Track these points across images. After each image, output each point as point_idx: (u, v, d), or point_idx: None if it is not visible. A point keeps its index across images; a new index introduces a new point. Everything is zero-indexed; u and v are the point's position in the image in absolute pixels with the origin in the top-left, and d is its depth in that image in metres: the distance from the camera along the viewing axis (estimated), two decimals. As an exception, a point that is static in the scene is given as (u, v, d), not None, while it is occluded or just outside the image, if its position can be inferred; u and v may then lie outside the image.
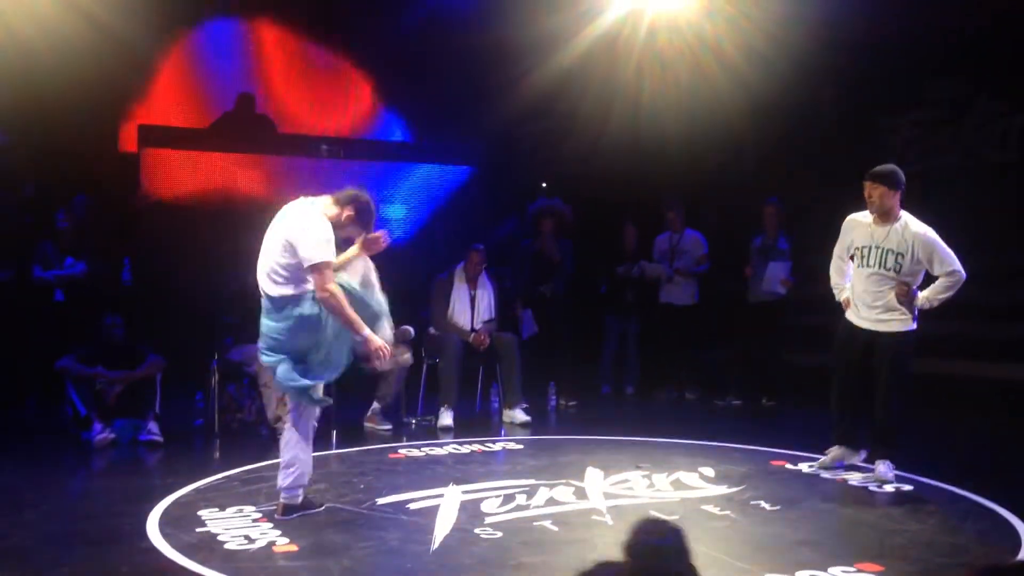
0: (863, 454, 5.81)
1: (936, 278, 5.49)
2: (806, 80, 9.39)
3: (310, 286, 4.52)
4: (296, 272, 4.52)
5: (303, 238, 4.48)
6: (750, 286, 8.61)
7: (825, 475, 5.77)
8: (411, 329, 7.26)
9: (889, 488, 5.43)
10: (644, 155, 10.36)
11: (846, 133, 9.66)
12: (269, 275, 4.60)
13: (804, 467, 5.97)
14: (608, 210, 9.70)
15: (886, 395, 5.54)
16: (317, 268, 4.45)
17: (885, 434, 5.59)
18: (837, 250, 5.83)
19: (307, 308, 4.54)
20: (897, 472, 5.58)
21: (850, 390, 5.74)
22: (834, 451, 5.84)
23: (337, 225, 4.64)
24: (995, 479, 5.55)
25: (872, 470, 5.63)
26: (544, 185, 10.53)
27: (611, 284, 9.19)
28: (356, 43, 10.49)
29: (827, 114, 9.78)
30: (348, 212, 4.69)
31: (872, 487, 5.46)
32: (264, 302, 4.66)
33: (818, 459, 5.97)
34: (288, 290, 4.55)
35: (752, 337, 8.63)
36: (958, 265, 5.42)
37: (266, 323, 4.65)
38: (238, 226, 9.05)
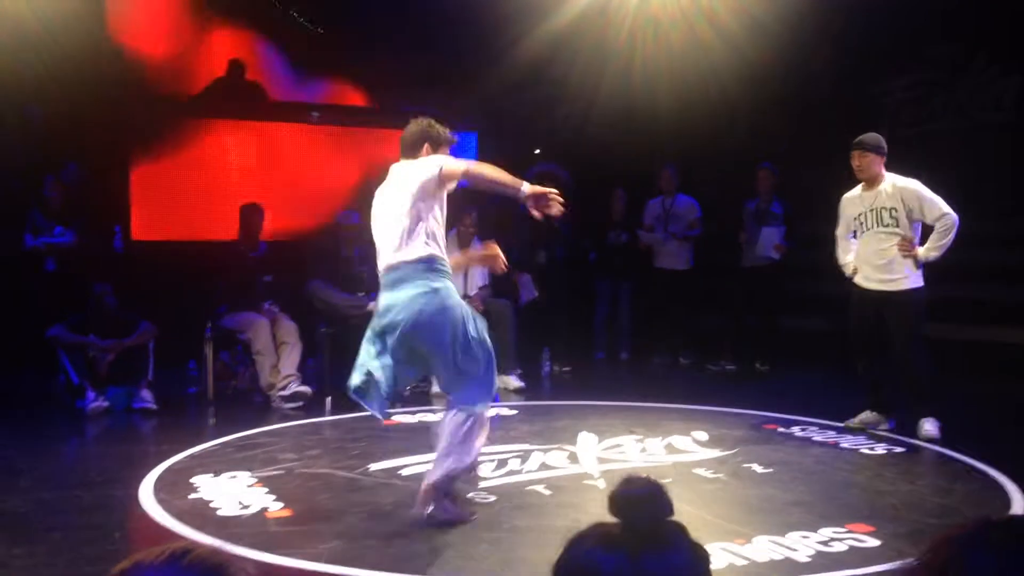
0: (892, 423, 5.87)
1: (931, 230, 5.63)
2: (800, 44, 9.32)
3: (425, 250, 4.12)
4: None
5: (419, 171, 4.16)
6: (744, 251, 8.61)
7: (817, 438, 5.80)
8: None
9: (880, 450, 5.46)
10: (637, 121, 10.29)
11: (841, 97, 9.61)
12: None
13: (796, 430, 6.00)
14: (601, 176, 9.66)
15: (906, 354, 5.67)
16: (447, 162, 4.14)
17: (920, 393, 5.71)
18: (839, 231, 6.03)
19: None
20: (889, 434, 5.62)
21: (870, 355, 5.86)
22: (866, 415, 5.92)
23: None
24: (985, 441, 5.59)
25: (903, 437, 5.68)
26: (537, 152, 10.48)
27: (600, 251, 9.19)
28: (347, 11, 10.36)
29: (821, 78, 9.72)
30: (426, 148, 4.33)
31: (864, 449, 5.50)
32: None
33: (815, 423, 6.05)
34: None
35: (746, 302, 8.65)
36: (947, 208, 5.58)
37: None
38: (229, 195, 9.06)
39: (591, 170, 9.79)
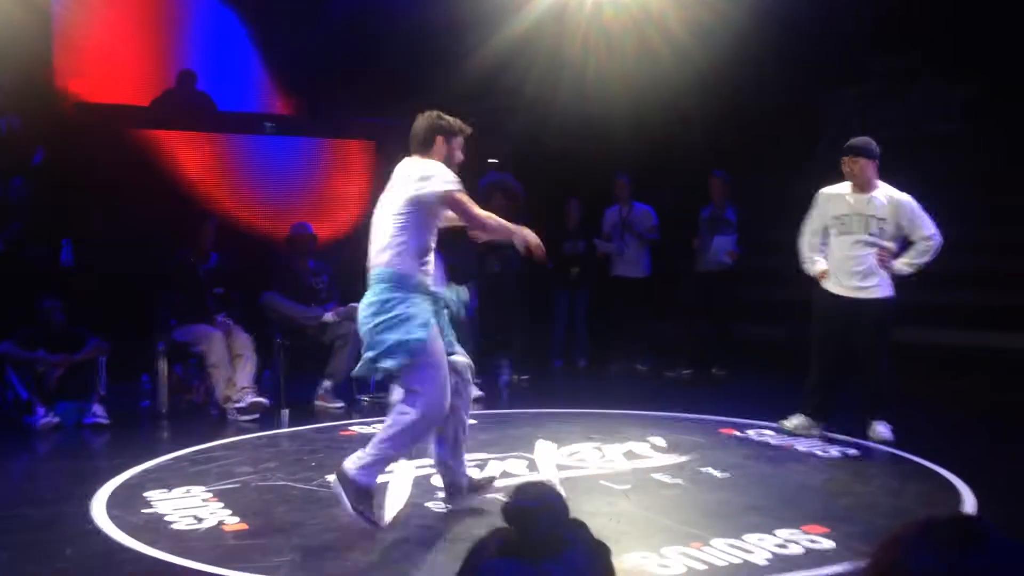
0: (822, 428, 5.87)
1: (910, 245, 5.67)
2: (751, 54, 9.45)
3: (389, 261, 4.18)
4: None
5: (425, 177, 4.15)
6: (697, 257, 8.71)
7: (774, 442, 5.86)
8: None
9: (835, 452, 5.54)
10: (592, 130, 10.36)
11: (791, 107, 9.76)
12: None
13: (753, 434, 6.05)
14: (556, 186, 9.69)
15: (874, 360, 5.70)
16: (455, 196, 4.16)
17: (878, 396, 5.74)
18: (810, 226, 5.90)
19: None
20: (844, 437, 5.69)
21: (832, 361, 5.82)
22: (800, 419, 5.90)
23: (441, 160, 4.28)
24: (940, 444, 5.66)
25: (838, 437, 5.75)
26: (493, 161, 10.49)
27: (557, 260, 9.21)
28: (295, 18, 10.32)
29: (772, 87, 9.86)
30: (439, 141, 4.30)
31: (819, 452, 5.56)
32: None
33: (771, 427, 6.06)
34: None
35: (700, 308, 8.73)
36: (935, 230, 5.62)
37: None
38: (180, 204, 8.95)
39: (547, 179, 9.82)
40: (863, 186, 5.67)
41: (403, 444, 4.21)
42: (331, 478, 4.24)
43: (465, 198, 4.22)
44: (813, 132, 9.66)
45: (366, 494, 4.10)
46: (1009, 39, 8.32)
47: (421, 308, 4.14)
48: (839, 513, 4.38)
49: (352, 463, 4.09)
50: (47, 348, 6.59)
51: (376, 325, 4.09)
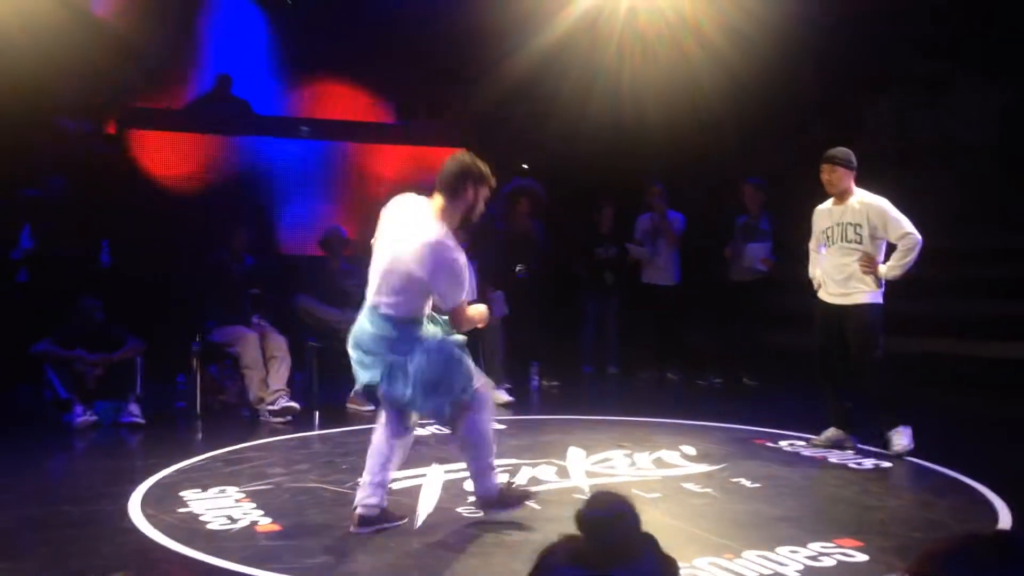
0: (855, 439, 5.85)
1: (895, 248, 5.63)
2: (786, 59, 9.40)
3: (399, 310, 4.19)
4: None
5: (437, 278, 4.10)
6: (731, 266, 8.66)
7: (806, 452, 5.82)
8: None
9: (868, 465, 5.49)
10: (625, 136, 10.34)
11: (825, 112, 9.69)
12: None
13: (785, 445, 6.02)
14: (590, 191, 9.69)
15: (865, 367, 5.65)
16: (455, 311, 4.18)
17: (884, 404, 5.69)
18: (811, 243, 6.04)
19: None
20: (876, 449, 5.64)
21: (834, 371, 5.82)
22: (831, 432, 5.89)
23: (467, 211, 4.25)
24: (973, 456, 5.60)
25: (871, 449, 5.70)
26: (525, 166, 10.51)
27: (590, 265, 9.21)
28: (335, 24, 10.40)
29: (807, 93, 9.80)
30: (469, 190, 4.21)
31: (851, 464, 5.52)
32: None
33: (803, 437, 6.06)
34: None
35: (732, 317, 8.68)
36: (911, 228, 5.58)
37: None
38: (218, 207, 9.06)
39: (580, 185, 9.83)
40: (840, 196, 5.75)
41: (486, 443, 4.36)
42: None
43: (461, 312, 4.21)
44: (848, 138, 9.58)
45: (501, 499, 4.38)
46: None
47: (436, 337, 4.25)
48: (872, 526, 4.35)
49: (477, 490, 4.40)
50: (85, 347, 6.70)
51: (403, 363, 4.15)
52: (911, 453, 5.58)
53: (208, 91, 9.69)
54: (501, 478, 4.58)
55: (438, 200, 4.21)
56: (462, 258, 4.15)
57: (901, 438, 5.61)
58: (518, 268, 8.40)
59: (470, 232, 7.71)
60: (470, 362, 4.31)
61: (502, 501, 4.40)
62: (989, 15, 8.41)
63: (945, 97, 9.18)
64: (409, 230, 4.15)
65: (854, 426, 5.86)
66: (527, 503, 4.49)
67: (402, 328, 4.16)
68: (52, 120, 8.39)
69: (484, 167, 4.27)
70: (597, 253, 9.15)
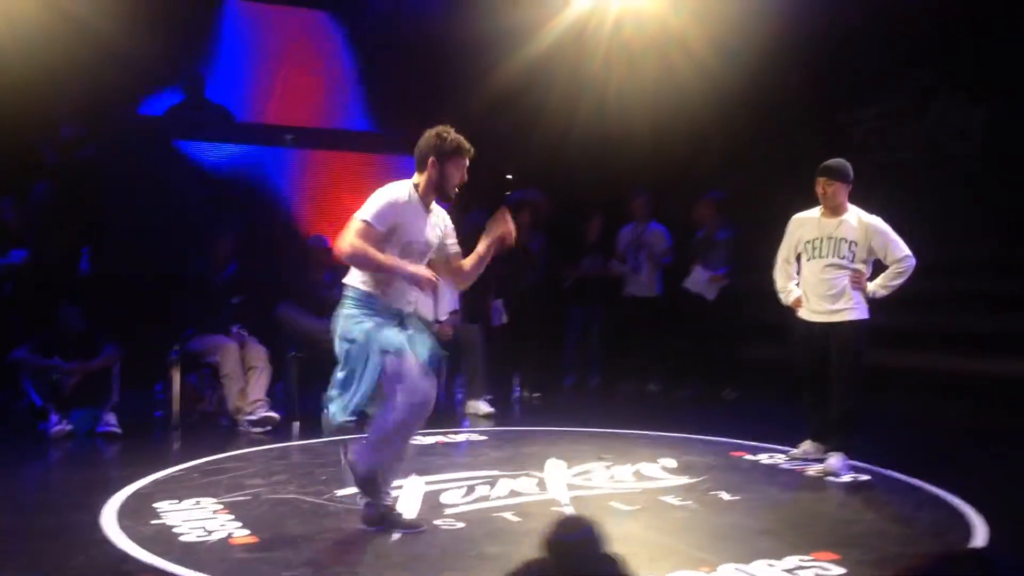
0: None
1: (885, 268, 5.61)
2: (771, 72, 9.44)
3: (349, 278, 4.28)
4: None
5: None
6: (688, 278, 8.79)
7: (785, 465, 5.83)
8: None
9: (847, 478, 5.49)
10: (611, 148, 10.36)
11: (811, 125, 9.73)
12: None
13: (764, 458, 6.02)
14: (575, 203, 9.70)
15: (840, 387, 5.61)
16: (351, 223, 4.14)
17: (839, 426, 5.65)
18: (783, 253, 5.89)
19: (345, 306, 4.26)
20: (855, 462, 5.64)
21: (817, 387, 5.76)
22: (806, 445, 5.89)
23: (433, 188, 4.29)
24: (951, 470, 5.62)
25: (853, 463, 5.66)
26: (509, 177, 10.51)
27: (576, 276, 9.22)
28: (319, 33, 10.39)
29: (792, 106, 9.84)
30: (432, 164, 4.26)
31: (830, 477, 5.51)
32: None
33: (782, 450, 6.05)
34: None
35: (708, 329, 8.70)
36: (908, 251, 5.55)
37: None
38: (199, 214, 9.01)
39: (567, 196, 9.83)
40: (834, 209, 5.64)
41: (392, 445, 4.27)
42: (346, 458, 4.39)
43: (354, 231, 4.13)
44: (834, 151, 9.63)
45: (370, 483, 4.27)
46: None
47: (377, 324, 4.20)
48: (850, 540, 4.34)
49: (354, 451, 4.32)
50: (62, 355, 6.64)
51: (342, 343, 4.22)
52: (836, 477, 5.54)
53: (183, 97, 9.62)
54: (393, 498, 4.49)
55: (415, 176, 4.36)
56: (391, 199, 4.21)
57: (838, 461, 5.56)
58: (519, 281, 8.33)
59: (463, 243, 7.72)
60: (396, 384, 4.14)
61: (374, 518, 4.31)
62: (974, 30, 8.47)
63: (930, 110, 9.23)
64: None
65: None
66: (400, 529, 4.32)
67: (348, 299, 4.24)
68: (41, 126, 8.33)
69: (451, 139, 4.29)
70: (583, 264, 9.16)
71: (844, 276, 5.59)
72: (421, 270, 4.21)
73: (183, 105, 9.56)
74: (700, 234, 8.80)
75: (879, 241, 5.56)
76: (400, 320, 4.31)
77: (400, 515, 4.44)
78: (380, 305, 4.25)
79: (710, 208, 8.79)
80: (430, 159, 4.28)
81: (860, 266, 5.60)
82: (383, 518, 4.34)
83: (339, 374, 4.28)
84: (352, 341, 4.19)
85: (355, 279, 4.29)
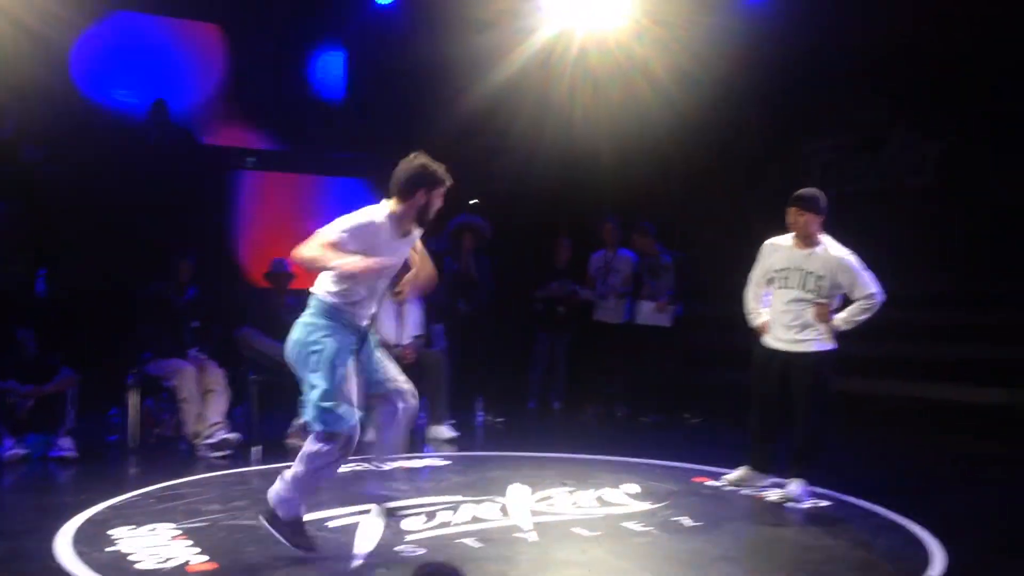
0: (769, 480, 5.83)
1: (852, 300, 5.61)
2: (732, 102, 9.58)
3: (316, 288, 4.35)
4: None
5: None
6: (636, 308, 8.88)
7: (744, 491, 5.85)
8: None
9: (806, 504, 5.52)
10: (577, 173, 10.44)
11: (769, 155, 9.88)
12: None
13: (724, 483, 6.04)
14: (541, 227, 9.74)
15: (804, 415, 5.61)
16: (319, 234, 4.16)
17: (802, 454, 5.66)
18: (755, 276, 5.87)
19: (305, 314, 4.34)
20: (815, 489, 5.67)
21: (770, 415, 5.78)
22: (742, 471, 5.89)
23: (416, 216, 4.36)
24: (909, 496, 5.68)
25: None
26: (474, 202, 10.53)
27: (544, 300, 9.23)
28: (287, 57, 10.39)
29: (751, 135, 9.98)
30: (420, 194, 4.31)
31: (790, 503, 5.55)
32: None
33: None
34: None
35: (662, 355, 8.76)
36: (876, 288, 5.54)
37: None
38: (158, 237, 8.92)
39: (532, 220, 9.87)
40: (805, 239, 5.61)
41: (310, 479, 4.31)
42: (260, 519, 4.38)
43: (322, 240, 4.14)
44: (792, 180, 9.80)
45: (296, 525, 4.31)
46: (979, 93, 8.49)
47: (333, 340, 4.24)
48: (808, 566, 4.38)
49: (273, 497, 4.31)
50: (17, 379, 6.52)
51: (299, 353, 4.27)
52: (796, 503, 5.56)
53: (146, 118, 9.55)
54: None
55: (391, 202, 4.35)
56: (369, 220, 4.26)
57: (798, 487, 5.57)
58: (461, 305, 8.36)
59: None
60: (343, 392, 4.21)
61: (283, 527, 4.30)
62: (927, 66, 8.66)
63: (885, 143, 9.41)
64: None
65: (767, 469, 5.83)
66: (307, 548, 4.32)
67: (314, 308, 4.30)
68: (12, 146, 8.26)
69: (438, 169, 4.38)
70: (551, 288, 9.18)
71: (808, 308, 5.59)
72: (369, 260, 4.16)
73: (146, 126, 9.48)
74: (638, 261, 8.95)
75: (846, 277, 5.55)
76: (360, 336, 4.35)
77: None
78: (344, 319, 4.29)
79: (647, 236, 8.92)
80: (420, 190, 4.31)
81: (825, 300, 5.58)
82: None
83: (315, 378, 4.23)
84: (317, 349, 4.22)
85: (322, 289, 4.33)
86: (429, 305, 8.10)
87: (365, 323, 4.40)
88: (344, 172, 10.49)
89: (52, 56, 8.68)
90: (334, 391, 4.18)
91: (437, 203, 4.39)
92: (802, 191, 5.69)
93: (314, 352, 4.22)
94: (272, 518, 4.31)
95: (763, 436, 5.82)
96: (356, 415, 4.23)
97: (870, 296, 5.52)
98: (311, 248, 4.14)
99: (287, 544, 4.27)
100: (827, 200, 5.66)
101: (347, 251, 4.14)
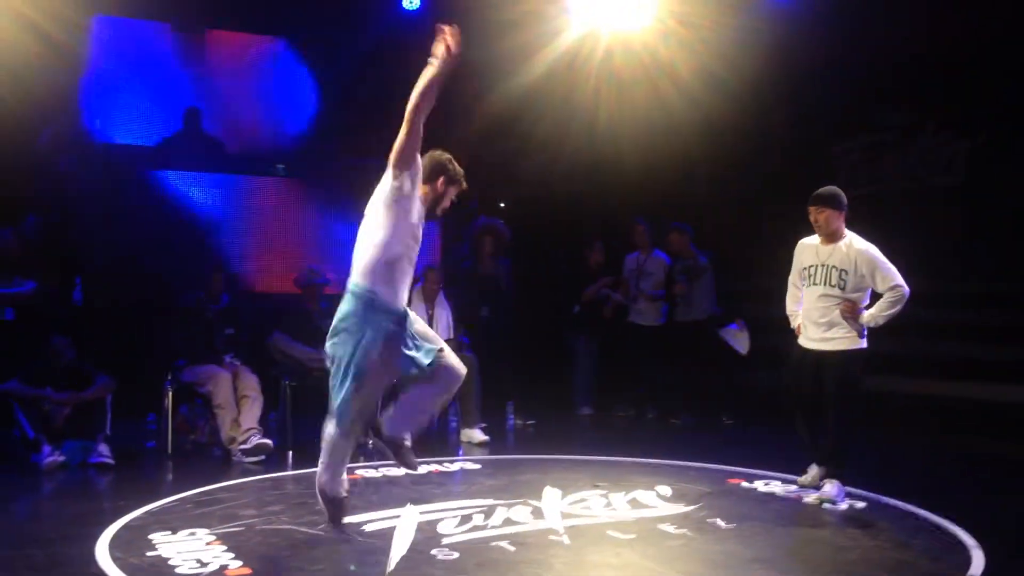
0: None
1: (880, 296, 5.58)
2: (759, 103, 9.53)
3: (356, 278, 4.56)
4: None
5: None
6: (678, 307, 8.82)
7: (780, 493, 5.82)
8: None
9: (843, 506, 5.49)
10: (601, 175, 10.42)
11: (797, 156, 9.81)
12: None
13: (760, 485, 6.02)
14: (566, 230, 9.73)
15: (833, 414, 5.60)
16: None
17: (833, 454, 5.64)
18: (792, 277, 5.93)
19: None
20: (851, 489, 5.64)
21: (810, 414, 5.76)
22: (813, 471, 5.83)
23: (430, 202, 4.70)
24: (946, 496, 5.63)
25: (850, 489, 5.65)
26: (502, 205, 10.56)
27: (581, 304, 9.20)
28: (311, 63, 10.43)
29: (779, 137, 9.92)
30: (440, 181, 4.70)
31: (826, 504, 5.51)
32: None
33: (779, 478, 6.06)
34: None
35: (686, 356, 8.72)
36: (900, 280, 5.51)
37: None
38: (192, 245, 9.02)
39: (558, 223, 9.86)
40: (828, 237, 5.66)
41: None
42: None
43: (400, 138, 4.49)
44: (821, 181, 9.73)
45: (337, 503, 4.78)
46: (1007, 92, 8.40)
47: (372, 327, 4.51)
48: (845, 567, 4.35)
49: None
50: (54, 386, 6.61)
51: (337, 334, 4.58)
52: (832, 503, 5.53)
53: (179, 128, 9.66)
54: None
55: (422, 187, 4.65)
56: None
57: (832, 488, 5.56)
58: (484, 310, 8.39)
59: (443, 274, 7.80)
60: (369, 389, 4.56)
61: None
62: (954, 65, 8.58)
63: (915, 143, 9.33)
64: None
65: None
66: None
67: (358, 301, 4.52)
68: (43, 155, 8.39)
69: (459, 169, 4.73)
70: (589, 290, 9.16)
71: (835, 305, 5.59)
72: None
73: (177, 136, 9.59)
74: (672, 263, 8.89)
75: (867, 269, 5.54)
76: (399, 320, 4.57)
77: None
78: (381, 304, 4.51)
79: (684, 238, 8.87)
80: (440, 177, 4.67)
81: (854, 295, 5.57)
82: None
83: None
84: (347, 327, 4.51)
85: (362, 279, 4.53)
86: (460, 312, 8.14)
87: (402, 307, 4.60)
88: (372, 177, 10.52)
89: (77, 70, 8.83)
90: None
91: (449, 198, 4.71)
92: (820, 190, 5.73)
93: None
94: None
95: (811, 435, 5.80)
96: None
97: (895, 288, 5.49)
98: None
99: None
100: (847, 197, 5.69)
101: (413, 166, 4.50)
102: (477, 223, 8.92)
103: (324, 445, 4.75)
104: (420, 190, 4.61)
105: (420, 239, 4.70)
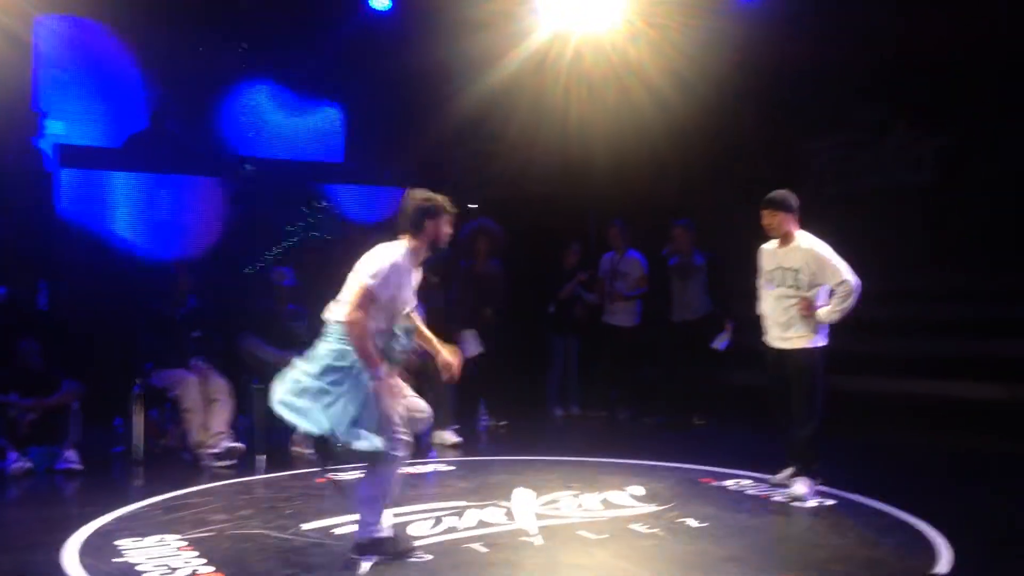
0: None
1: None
2: (728, 103, 9.58)
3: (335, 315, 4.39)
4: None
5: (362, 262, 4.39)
6: (674, 305, 8.74)
7: (751, 491, 5.86)
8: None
9: (812, 503, 5.53)
10: (572, 176, 10.43)
11: (768, 156, 9.88)
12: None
13: (731, 484, 6.05)
14: (538, 231, 9.74)
15: (801, 412, 5.68)
16: (356, 284, 4.31)
17: (802, 451, 5.71)
18: (759, 281, 6.00)
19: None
20: (821, 487, 5.68)
21: (784, 412, 5.82)
22: (787, 469, 5.87)
23: (430, 245, 4.54)
24: (914, 494, 5.67)
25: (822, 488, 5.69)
26: (474, 206, 10.54)
27: (557, 304, 9.19)
28: (280, 64, 10.36)
29: (749, 137, 9.99)
30: (428, 225, 4.49)
31: (796, 503, 5.55)
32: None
33: (749, 476, 6.09)
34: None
35: (678, 355, 8.72)
36: (848, 275, 5.58)
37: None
38: (158, 247, 8.94)
39: (530, 224, 9.86)
40: (783, 239, 5.78)
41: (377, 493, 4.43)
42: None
43: (360, 296, 4.29)
44: (790, 181, 9.80)
45: (376, 545, 4.35)
46: (977, 91, 8.51)
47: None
48: (815, 564, 4.38)
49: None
50: (20, 391, 6.51)
51: (328, 376, 4.37)
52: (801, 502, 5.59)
53: (144, 127, 9.55)
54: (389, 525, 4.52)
55: (406, 239, 4.49)
56: (393, 262, 4.37)
57: (802, 486, 5.62)
58: (486, 309, 8.36)
59: (440, 273, 7.77)
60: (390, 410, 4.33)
61: (377, 547, 4.37)
62: (926, 66, 8.67)
63: (885, 141, 9.42)
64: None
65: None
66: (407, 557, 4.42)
67: (336, 333, 4.37)
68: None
69: (439, 198, 4.57)
70: (564, 290, 9.15)
71: (793, 305, 5.70)
72: (385, 385, 4.31)
73: (142, 135, 9.48)
74: (673, 261, 8.80)
75: (817, 266, 5.64)
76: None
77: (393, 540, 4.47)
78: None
79: (686, 234, 8.77)
80: (428, 221, 4.49)
81: (809, 293, 5.67)
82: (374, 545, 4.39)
83: (313, 382, 4.38)
84: (346, 368, 4.31)
85: (342, 316, 4.35)
86: (458, 310, 8.11)
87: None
88: (342, 179, 10.49)
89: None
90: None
91: (446, 230, 4.57)
92: (771, 194, 5.83)
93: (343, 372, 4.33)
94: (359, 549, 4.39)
95: (786, 433, 5.84)
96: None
97: (843, 283, 5.57)
98: (352, 312, 4.25)
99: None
100: (798, 199, 5.78)
101: (381, 298, 4.31)
102: (469, 224, 8.90)
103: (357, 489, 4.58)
104: (411, 243, 4.47)
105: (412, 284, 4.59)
